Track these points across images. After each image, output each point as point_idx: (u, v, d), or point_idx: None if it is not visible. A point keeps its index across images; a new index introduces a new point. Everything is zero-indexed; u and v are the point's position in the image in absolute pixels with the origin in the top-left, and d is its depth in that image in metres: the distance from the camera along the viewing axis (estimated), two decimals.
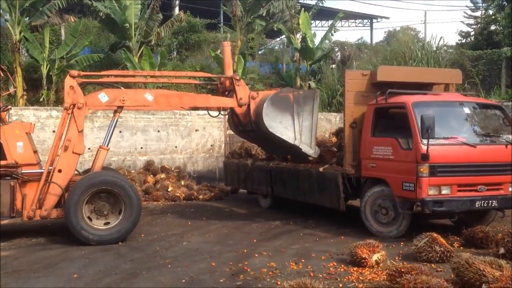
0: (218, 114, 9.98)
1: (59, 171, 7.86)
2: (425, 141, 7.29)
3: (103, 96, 8.24)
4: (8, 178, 7.73)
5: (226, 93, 9.53)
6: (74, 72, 8.15)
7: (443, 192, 7.44)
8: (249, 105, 8.97)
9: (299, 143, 8.74)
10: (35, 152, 8.26)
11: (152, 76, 9.84)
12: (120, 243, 7.65)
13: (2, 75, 8.05)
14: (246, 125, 9.42)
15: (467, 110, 8.17)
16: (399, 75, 8.85)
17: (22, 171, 7.84)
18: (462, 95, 9.20)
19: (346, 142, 8.67)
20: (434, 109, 7.60)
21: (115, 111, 8.41)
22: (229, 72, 9.53)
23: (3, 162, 7.76)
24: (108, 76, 9.69)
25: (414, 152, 7.51)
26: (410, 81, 8.70)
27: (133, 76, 9.97)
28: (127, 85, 12.45)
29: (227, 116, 14.14)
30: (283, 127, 8.66)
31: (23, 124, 8.34)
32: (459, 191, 7.52)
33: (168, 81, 10.88)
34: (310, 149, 8.81)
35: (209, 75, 11.62)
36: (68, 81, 8.12)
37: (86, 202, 7.72)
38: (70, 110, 8.01)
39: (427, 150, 7.28)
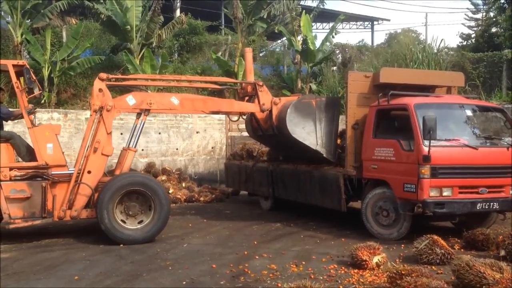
0: (238, 118, 10.15)
1: (89, 172, 7.97)
2: (426, 142, 7.29)
3: (130, 99, 8.34)
4: (39, 179, 7.82)
5: (247, 98, 9.65)
6: (103, 75, 8.25)
7: (444, 193, 7.43)
8: (271, 111, 9.17)
9: (321, 149, 8.95)
10: (63, 153, 8.37)
11: (176, 80, 9.96)
12: (121, 245, 7.65)
13: (34, 78, 8.15)
14: (266, 130, 9.64)
15: (469, 113, 8.18)
16: (402, 77, 8.86)
17: (52, 172, 7.92)
18: (464, 97, 9.19)
19: (348, 144, 8.67)
20: (436, 111, 7.59)
21: (140, 114, 8.50)
22: (250, 77, 9.69)
23: (34, 164, 7.86)
24: (135, 79, 9.80)
25: (415, 154, 7.51)
26: (412, 83, 8.70)
27: (160, 80, 10.07)
28: (129, 88, 12.51)
29: (228, 118, 14.31)
30: (306, 132, 8.92)
31: (52, 126, 8.43)
32: (460, 193, 7.51)
33: (189, 85, 11.01)
34: (330, 155, 9.03)
35: (232, 80, 11.80)
36: (97, 84, 8.18)
37: (125, 194, 7.84)
38: (99, 112, 8.09)
39: (429, 151, 7.28)
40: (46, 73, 15.39)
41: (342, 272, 6.13)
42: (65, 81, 16.53)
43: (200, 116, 15.25)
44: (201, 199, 12.83)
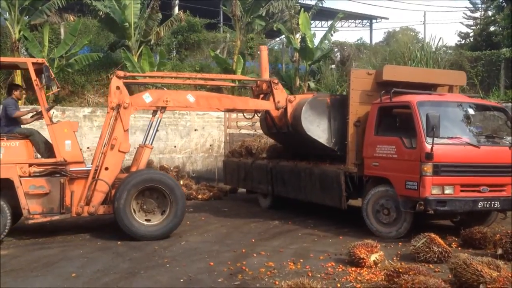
0: (253, 116, 10.22)
1: (106, 168, 8.05)
2: (429, 140, 7.26)
3: (147, 97, 8.47)
4: (58, 175, 7.89)
5: (262, 95, 9.71)
6: (120, 73, 8.35)
7: (446, 191, 7.42)
8: (286, 109, 9.25)
9: (335, 146, 9.03)
10: (81, 150, 8.45)
11: (189, 78, 10.03)
12: (119, 242, 7.64)
13: (53, 76, 8.17)
14: (281, 128, 9.73)
15: (471, 111, 8.18)
16: (405, 75, 8.82)
17: (70, 169, 8.01)
18: (467, 96, 9.17)
19: (349, 141, 8.65)
20: (439, 109, 7.56)
21: (156, 111, 8.62)
22: (265, 75, 9.81)
23: (52, 160, 7.93)
24: (151, 77, 9.80)
25: (418, 151, 7.49)
26: (415, 81, 8.68)
27: (175, 77, 10.14)
28: (130, 88, 12.48)
29: (227, 116, 14.29)
30: (321, 130, 9.01)
31: (70, 123, 8.50)
32: (462, 191, 7.49)
33: (204, 83, 10.98)
34: (343, 152, 9.02)
35: (248, 78, 11.91)
36: (115, 82, 8.27)
37: (149, 188, 7.94)
38: (116, 110, 8.17)
39: (432, 149, 7.26)
40: None
41: (340, 270, 6.13)
42: (63, 78, 16.49)
43: (198, 114, 15.24)
44: (199, 196, 12.82)
